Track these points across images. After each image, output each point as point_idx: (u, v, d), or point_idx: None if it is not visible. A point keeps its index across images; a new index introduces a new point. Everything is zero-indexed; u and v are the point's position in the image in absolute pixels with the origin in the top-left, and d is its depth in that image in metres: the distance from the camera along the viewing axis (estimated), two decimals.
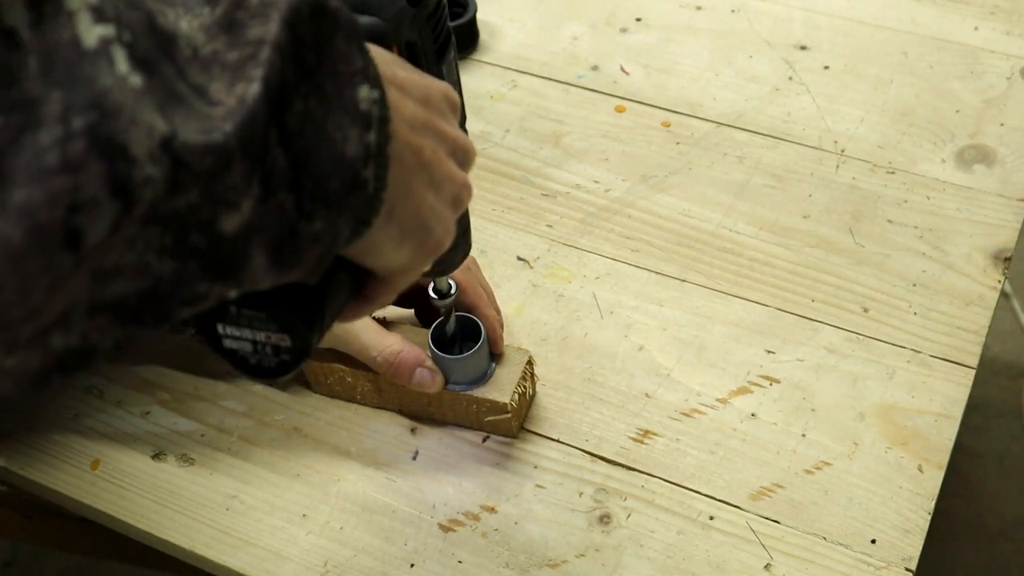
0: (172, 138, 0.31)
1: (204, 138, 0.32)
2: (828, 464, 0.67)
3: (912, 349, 0.73)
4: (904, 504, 0.65)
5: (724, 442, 0.69)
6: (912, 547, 0.63)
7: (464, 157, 0.47)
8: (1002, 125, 0.88)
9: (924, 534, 0.64)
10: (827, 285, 0.77)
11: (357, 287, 0.46)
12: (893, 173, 0.85)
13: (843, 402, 0.70)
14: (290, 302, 0.42)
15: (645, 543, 0.64)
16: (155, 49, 0.32)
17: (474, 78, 0.95)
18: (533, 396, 0.71)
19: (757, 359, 0.73)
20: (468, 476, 0.68)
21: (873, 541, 0.63)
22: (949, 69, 0.93)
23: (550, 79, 0.95)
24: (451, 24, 0.97)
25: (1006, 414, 1.51)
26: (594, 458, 0.68)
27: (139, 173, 0.31)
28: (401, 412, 0.71)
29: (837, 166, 0.86)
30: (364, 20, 0.49)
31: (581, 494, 0.67)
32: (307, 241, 0.38)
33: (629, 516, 0.65)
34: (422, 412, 0.70)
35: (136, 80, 0.31)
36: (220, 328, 0.43)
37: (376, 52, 0.40)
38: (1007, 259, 0.78)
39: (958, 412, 0.69)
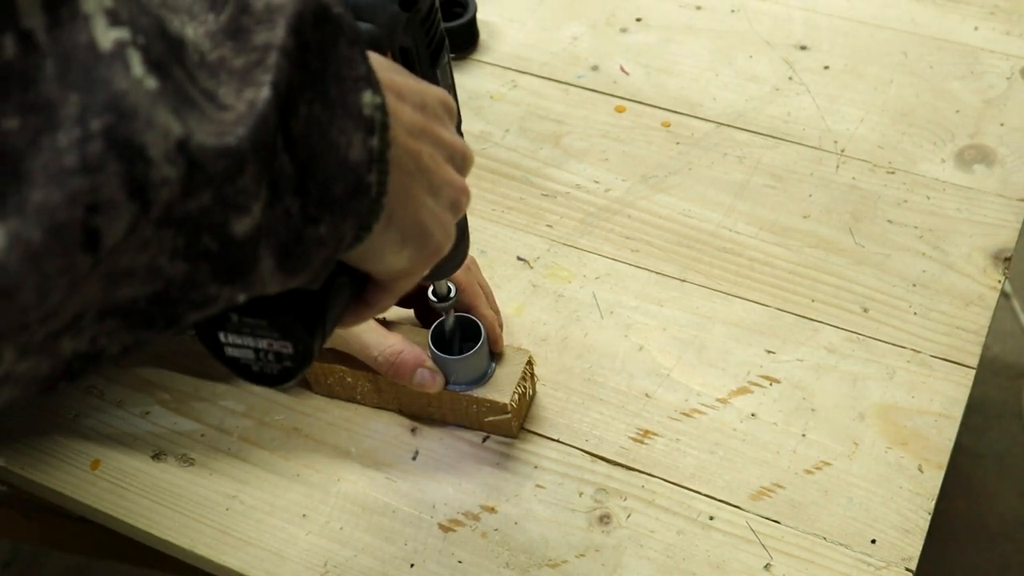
0: (187, 140, 0.32)
1: (218, 141, 0.33)
2: (828, 464, 0.67)
3: (912, 349, 0.73)
4: (904, 504, 0.65)
5: (724, 442, 0.69)
6: (912, 547, 0.63)
7: (462, 162, 0.47)
8: (1002, 125, 0.88)
9: (924, 534, 0.64)
10: (827, 285, 0.77)
11: (357, 292, 0.46)
12: (893, 173, 0.85)
13: (843, 402, 0.70)
14: (291, 309, 0.42)
15: (645, 543, 0.64)
16: (167, 53, 0.32)
17: (474, 78, 0.95)
18: (533, 396, 0.71)
19: (757, 359, 0.73)
20: (468, 476, 0.68)
21: (873, 541, 0.63)
22: (949, 69, 0.93)
23: (550, 79, 0.95)
24: (451, 24, 0.98)
25: (1006, 414, 1.51)
26: (594, 458, 0.68)
27: (156, 174, 0.31)
28: (401, 412, 0.71)
29: (837, 166, 0.86)
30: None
31: (581, 494, 0.67)
32: (313, 245, 0.38)
33: (629, 516, 0.65)
34: (422, 412, 0.70)
35: (151, 83, 0.31)
36: (222, 336, 0.43)
37: (373, 58, 0.40)
38: (1007, 259, 0.78)
39: (958, 412, 0.69)
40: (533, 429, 0.70)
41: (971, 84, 0.91)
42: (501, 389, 0.67)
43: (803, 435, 0.69)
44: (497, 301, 0.73)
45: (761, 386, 0.71)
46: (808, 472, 0.67)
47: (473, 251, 0.72)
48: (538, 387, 0.72)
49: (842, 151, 0.87)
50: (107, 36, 0.31)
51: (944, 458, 0.67)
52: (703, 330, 0.75)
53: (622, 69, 0.95)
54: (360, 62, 0.39)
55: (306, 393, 0.73)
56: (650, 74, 0.95)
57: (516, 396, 0.67)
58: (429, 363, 0.66)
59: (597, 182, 0.86)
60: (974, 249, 0.78)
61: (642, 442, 0.69)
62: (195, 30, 0.35)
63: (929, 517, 0.64)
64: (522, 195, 0.85)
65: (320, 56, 0.37)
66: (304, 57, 0.36)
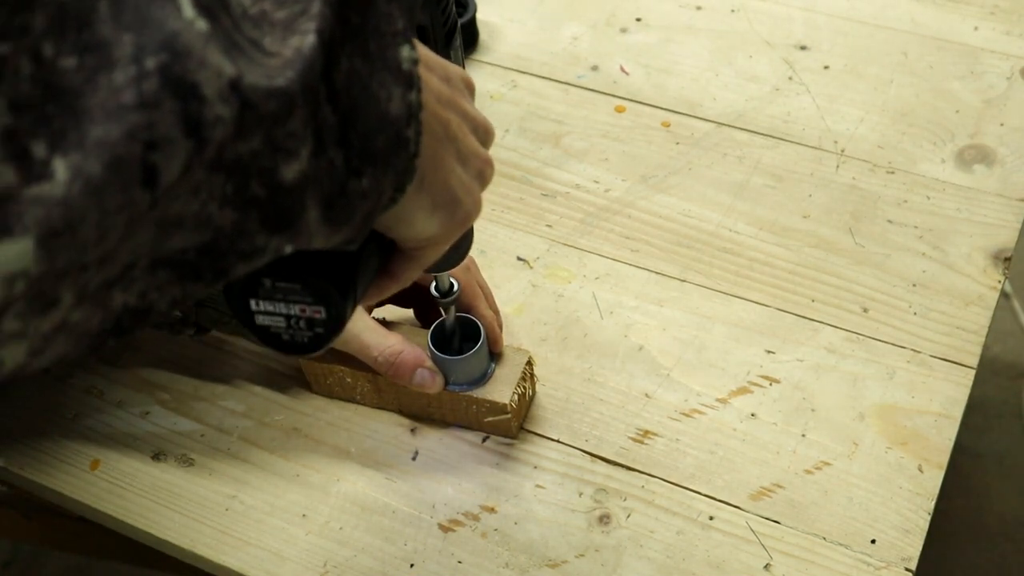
0: (239, 80, 0.32)
1: (268, 82, 0.33)
2: (828, 464, 0.67)
3: (912, 349, 0.73)
4: (904, 504, 0.65)
5: (724, 442, 0.69)
6: (912, 547, 0.63)
7: (485, 136, 0.48)
8: (1002, 125, 0.88)
9: (924, 534, 0.64)
10: (827, 285, 0.77)
11: (382, 264, 0.47)
12: (893, 173, 0.85)
13: (843, 402, 0.70)
14: (325, 273, 0.42)
15: (645, 543, 0.64)
16: (214, 1, 0.33)
17: (474, 78, 0.95)
18: (533, 396, 0.71)
19: (757, 359, 0.73)
20: (468, 476, 0.68)
21: (873, 541, 0.63)
22: (949, 69, 0.93)
23: (550, 79, 0.95)
24: None
25: (1006, 414, 1.51)
26: (594, 458, 0.68)
27: (210, 112, 0.32)
28: (401, 412, 0.71)
29: (837, 166, 0.86)
30: None
31: (581, 494, 0.67)
32: (356, 198, 0.38)
33: (629, 516, 0.65)
34: (422, 412, 0.70)
35: (202, 25, 0.32)
36: (253, 304, 0.43)
37: None
38: (1007, 259, 0.78)
39: (958, 412, 0.69)
40: (533, 429, 0.70)
41: (971, 84, 0.91)
42: (501, 389, 0.67)
43: (803, 435, 0.69)
44: (497, 301, 0.73)
45: (761, 386, 0.71)
46: (808, 472, 0.67)
47: (473, 251, 0.72)
48: (538, 387, 0.72)
49: (842, 151, 0.87)
50: None
51: (944, 458, 0.67)
52: (703, 330, 0.75)
53: (622, 69, 0.95)
54: (397, 18, 0.39)
55: (306, 393, 0.73)
56: (650, 74, 0.95)
57: (516, 396, 0.67)
58: (429, 363, 0.66)
59: (597, 182, 0.86)
60: (974, 249, 0.78)
61: (642, 442, 0.69)
62: None
63: (929, 517, 0.64)
64: (522, 195, 0.85)
65: (360, 11, 0.38)
66: (345, 11, 0.37)
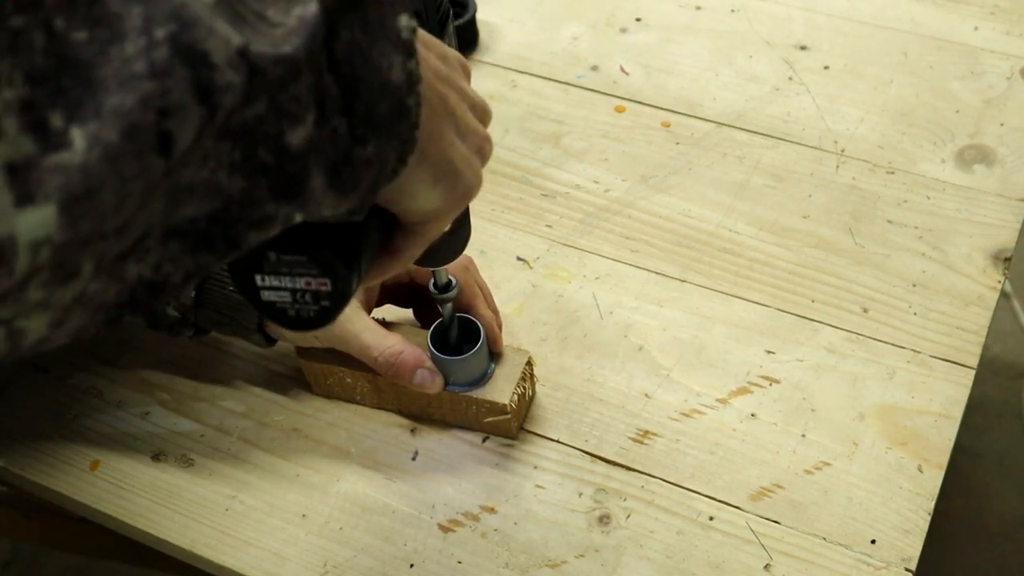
0: (247, 47, 0.33)
1: (275, 50, 0.34)
2: (828, 464, 0.67)
3: (912, 349, 0.73)
4: (904, 504, 0.65)
5: (724, 442, 0.69)
6: (912, 547, 0.63)
7: (483, 115, 0.48)
8: (1002, 125, 0.88)
9: (924, 534, 0.64)
10: (827, 285, 0.77)
11: (384, 242, 0.47)
12: (893, 173, 0.85)
13: (843, 402, 0.70)
14: (329, 245, 0.43)
15: (645, 543, 0.64)
16: None
17: (474, 78, 0.95)
18: (533, 396, 0.71)
19: (757, 359, 0.73)
20: (468, 476, 0.68)
21: (873, 541, 0.63)
22: (949, 69, 0.93)
23: (550, 79, 0.95)
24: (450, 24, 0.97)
25: (1006, 414, 1.51)
26: (594, 458, 0.68)
27: (221, 79, 0.33)
28: (401, 412, 0.71)
29: (837, 166, 0.86)
30: None
31: (581, 494, 0.67)
32: (361, 165, 0.39)
33: (629, 516, 0.65)
34: (422, 413, 0.70)
35: None
36: (258, 279, 0.44)
37: None
38: (1007, 259, 0.78)
39: (958, 412, 0.69)
40: (533, 429, 0.70)
41: (971, 84, 0.91)
42: (501, 389, 0.67)
43: (803, 435, 0.69)
44: (497, 301, 0.73)
45: (761, 386, 0.71)
46: (808, 472, 0.67)
47: (473, 251, 0.72)
48: (538, 387, 0.72)
49: (842, 151, 0.87)
50: None
51: (944, 458, 0.67)
52: (703, 330, 0.75)
53: (622, 69, 0.95)
54: None
55: (306, 393, 0.73)
56: (650, 74, 0.95)
57: (516, 396, 0.67)
58: (429, 363, 0.66)
59: (597, 182, 0.86)
60: (974, 249, 0.78)
61: (642, 442, 0.69)
62: None
63: (929, 517, 0.64)
64: (522, 195, 0.85)
65: None
66: None
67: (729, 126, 0.90)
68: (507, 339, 0.70)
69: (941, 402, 0.70)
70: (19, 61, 0.29)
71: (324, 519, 0.66)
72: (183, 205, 0.34)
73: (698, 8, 1.01)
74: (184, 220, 0.35)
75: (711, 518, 0.65)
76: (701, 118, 0.91)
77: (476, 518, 0.66)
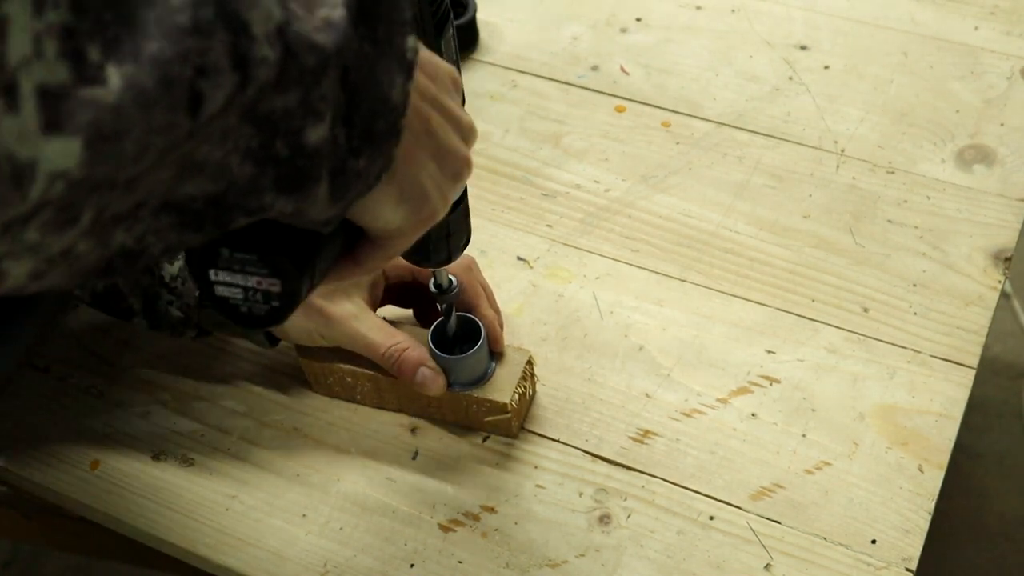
0: (286, 26, 0.34)
1: (311, 35, 0.35)
2: (828, 464, 0.67)
3: (912, 349, 0.73)
4: (904, 504, 0.65)
5: (724, 442, 0.69)
6: (912, 547, 0.63)
7: (467, 135, 0.48)
8: (1002, 125, 0.88)
9: (924, 534, 0.64)
10: (827, 285, 0.77)
11: (348, 250, 0.47)
12: (893, 173, 0.85)
13: (843, 402, 0.70)
14: (283, 248, 0.43)
15: (645, 543, 0.64)
16: None
17: (474, 78, 0.95)
18: (533, 396, 0.71)
19: (757, 359, 0.73)
20: (468, 476, 0.68)
21: (873, 541, 0.63)
22: (949, 69, 0.93)
23: (550, 79, 0.95)
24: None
25: (1006, 414, 1.51)
26: (594, 458, 0.68)
27: (258, 51, 0.33)
28: (401, 412, 0.71)
29: (837, 166, 0.86)
30: None
31: (581, 494, 0.67)
32: (352, 177, 0.39)
33: (629, 516, 0.65)
34: (422, 412, 0.70)
35: None
36: (212, 274, 0.44)
37: None
38: (1007, 259, 0.78)
39: (958, 412, 0.69)
40: (533, 429, 0.70)
41: (971, 84, 0.91)
42: (501, 389, 0.67)
43: (803, 435, 0.69)
44: (497, 301, 0.73)
45: (761, 386, 0.71)
46: (808, 472, 0.67)
47: (473, 251, 0.72)
48: (538, 387, 0.72)
49: (842, 151, 0.87)
50: None
51: (944, 458, 0.67)
52: (703, 330, 0.75)
53: (622, 69, 0.95)
54: (405, 8, 0.40)
55: (306, 393, 0.73)
56: (650, 74, 0.95)
57: (516, 396, 0.67)
58: (432, 363, 0.66)
59: (597, 182, 0.86)
60: (974, 249, 0.78)
61: (642, 442, 0.69)
62: None
63: (929, 517, 0.64)
64: (522, 195, 0.85)
65: None
66: None
67: (729, 126, 0.90)
68: (507, 339, 0.70)
69: (941, 402, 0.70)
70: None
71: (324, 519, 0.66)
72: (189, 180, 0.34)
73: (698, 8, 1.01)
74: (184, 196, 0.35)
75: (711, 518, 0.65)
76: (701, 118, 0.90)
77: (476, 518, 0.66)
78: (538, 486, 0.67)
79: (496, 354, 0.68)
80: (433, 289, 0.64)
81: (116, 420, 0.73)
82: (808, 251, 0.79)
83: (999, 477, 1.45)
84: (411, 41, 0.40)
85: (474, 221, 0.60)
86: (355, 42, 0.38)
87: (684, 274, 0.78)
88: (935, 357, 0.72)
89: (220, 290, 0.44)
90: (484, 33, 1.00)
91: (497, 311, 0.71)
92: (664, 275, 0.79)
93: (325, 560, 0.64)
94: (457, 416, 0.69)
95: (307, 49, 0.35)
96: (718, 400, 0.71)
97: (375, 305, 0.70)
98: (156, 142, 0.31)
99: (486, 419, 0.68)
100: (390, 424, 0.71)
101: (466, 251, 0.61)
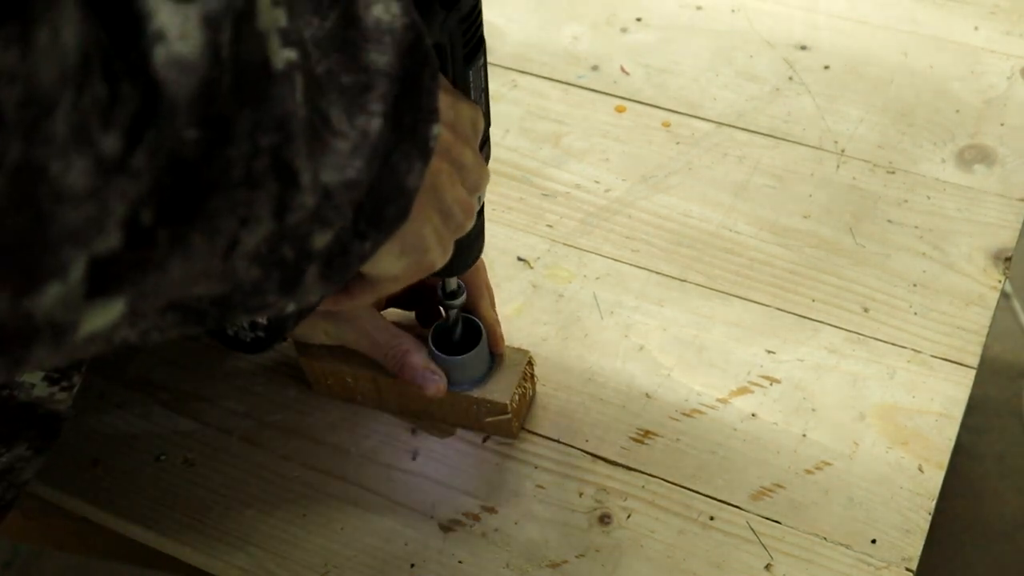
0: (319, 175, 0.33)
1: (341, 176, 0.34)
2: (828, 464, 0.67)
3: (912, 349, 0.73)
4: (904, 504, 0.65)
5: (724, 442, 0.69)
6: (912, 547, 0.63)
7: (476, 183, 0.47)
8: (1002, 125, 0.88)
9: (924, 534, 0.64)
10: (827, 285, 0.77)
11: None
12: (893, 173, 0.85)
13: (843, 402, 0.70)
14: None
15: (645, 543, 0.64)
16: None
17: None
18: (533, 396, 0.71)
19: (757, 359, 0.73)
20: (468, 476, 0.68)
21: (873, 541, 0.63)
22: (949, 69, 0.93)
23: (550, 79, 0.95)
24: None
25: (1006, 414, 1.51)
26: (594, 458, 0.68)
27: (299, 200, 0.32)
28: (401, 412, 0.71)
29: (837, 166, 0.86)
30: None
31: (581, 494, 0.67)
32: (355, 259, 0.39)
33: (629, 516, 0.65)
34: (422, 412, 0.70)
35: (303, 111, 0.32)
36: None
37: None
38: (1007, 259, 0.78)
39: (958, 412, 0.69)
40: (533, 429, 0.70)
41: (971, 84, 0.91)
42: (501, 389, 0.67)
43: (803, 435, 0.69)
44: (497, 301, 0.73)
45: (761, 386, 0.71)
46: (808, 472, 0.67)
47: None
48: (538, 387, 0.72)
49: (842, 151, 0.87)
50: (280, 56, 0.31)
51: (944, 458, 0.67)
52: (703, 330, 0.75)
53: (622, 69, 0.95)
54: (435, 95, 0.39)
55: (306, 393, 0.73)
56: (650, 74, 0.95)
57: (516, 396, 0.67)
58: (433, 365, 0.66)
59: (597, 182, 0.86)
60: (974, 249, 0.78)
61: (642, 442, 0.69)
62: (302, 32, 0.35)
63: (929, 517, 0.64)
64: (522, 195, 0.85)
65: (412, 90, 0.38)
66: (404, 90, 0.37)
67: (729, 126, 0.90)
68: (507, 339, 0.70)
69: (941, 402, 0.70)
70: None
71: (324, 519, 0.66)
72: (197, 285, 0.34)
73: (698, 8, 1.01)
74: (191, 298, 0.34)
75: (712, 518, 0.65)
76: (701, 118, 0.90)
77: (476, 518, 0.66)
78: (538, 486, 0.67)
79: (496, 354, 0.68)
80: (441, 295, 0.64)
81: (116, 420, 0.73)
82: (808, 251, 0.79)
83: (999, 477, 1.45)
84: (435, 129, 0.39)
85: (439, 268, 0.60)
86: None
87: (684, 274, 0.78)
88: (935, 357, 0.72)
89: None
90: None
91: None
92: (664, 275, 0.78)
93: (325, 560, 0.64)
94: (457, 417, 0.69)
95: (341, 189, 0.34)
96: (718, 400, 0.71)
97: (380, 306, 0.70)
98: (189, 273, 0.31)
99: (486, 420, 0.68)
100: (390, 424, 0.71)
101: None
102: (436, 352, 0.66)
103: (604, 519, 0.65)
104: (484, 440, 0.69)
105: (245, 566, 0.65)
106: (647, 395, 0.71)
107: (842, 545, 0.63)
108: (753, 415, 0.70)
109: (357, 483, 0.68)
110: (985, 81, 0.92)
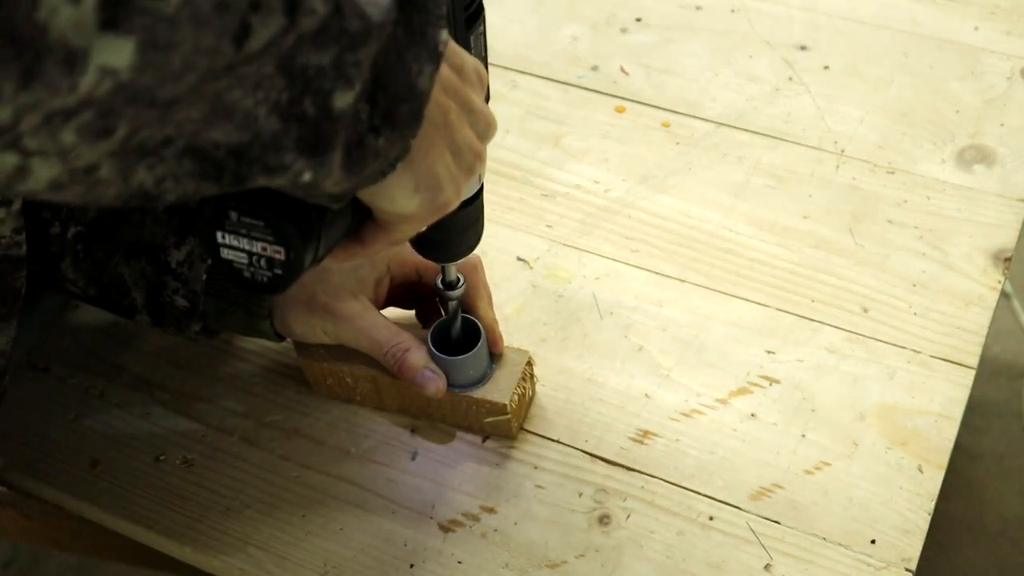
0: None
1: (360, 4, 0.36)
2: (828, 464, 0.67)
3: (912, 349, 0.73)
4: (904, 504, 0.65)
5: (724, 442, 0.69)
6: (912, 547, 0.63)
7: (485, 129, 0.49)
8: (1002, 125, 0.88)
9: (924, 534, 0.64)
10: (827, 285, 0.77)
11: (355, 230, 0.48)
12: (893, 173, 0.85)
13: (843, 402, 0.70)
14: (291, 217, 0.44)
15: (645, 544, 0.64)
16: None
17: None
18: (532, 397, 0.71)
19: (757, 359, 0.73)
20: (468, 476, 0.68)
21: (873, 541, 0.63)
22: (949, 69, 0.93)
23: (550, 79, 0.95)
24: None
25: (1006, 414, 1.51)
26: (594, 458, 0.68)
27: (309, 1, 0.34)
28: (401, 413, 0.71)
29: (837, 166, 0.86)
30: None
31: (581, 494, 0.67)
32: (369, 154, 0.41)
33: (629, 517, 0.65)
34: (421, 413, 0.70)
35: None
36: (219, 236, 0.45)
37: None
38: (1007, 259, 0.78)
39: (958, 412, 0.69)
40: (533, 429, 0.70)
41: (971, 84, 0.91)
42: (501, 390, 0.67)
43: (803, 435, 0.69)
44: (497, 301, 0.73)
45: (761, 386, 0.71)
46: (808, 472, 0.67)
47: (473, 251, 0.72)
48: (538, 387, 0.72)
49: (842, 151, 0.87)
50: None
51: (944, 458, 0.67)
52: (703, 330, 0.75)
53: (622, 69, 0.95)
54: (442, 2, 0.42)
55: (306, 393, 0.73)
56: (650, 74, 0.95)
57: (515, 397, 0.67)
58: (433, 365, 0.66)
59: (597, 182, 0.86)
60: (974, 249, 0.78)
61: (642, 442, 0.69)
62: None
63: (929, 517, 0.64)
64: (522, 195, 0.85)
65: None
66: None
67: (729, 126, 0.90)
68: (507, 339, 0.70)
69: (941, 402, 0.70)
70: None
71: (324, 519, 0.66)
72: (217, 125, 0.35)
73: (698, 8, 1.01)
74: (209, 142, 0.36)
75: (711, 518, 0.65)
76: (701, 118, 0.90)
77: (476, 518, 0.66)
78: (538, 486, 0.67)
79: (496, 355, 0.68)
80: (440, 286, 0.64)
81: (116, 420, 0.73)
82: (808, 251, 0.79)
83: (999, 477, 1.45)
84: (443, 35, 0.42)
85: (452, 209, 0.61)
86: (393, 25, 0.39)
87: (684, 274, 0.78)
88: (935, 357, 0.72)
89: (226, 252, 0.45)
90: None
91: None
92: (664, 275, 0.79)
93: (325, 560, 0.64)
94: (457, 417, 0.69)
95: (354, 13, 0.36)
96: (718, 400, 0.71)
97: (380, 304, 0.70)
98: (199, 64, 0.32)
99: (485, 420, 0.68)
100: (390, 424, 0.71)
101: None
102: (436, 352, 0.66)
103: (604, 519, 0.65)
104: (484, 440, 0.69)
105: (245, 566, 0.65)
106: (646, 395, 0.71)
107: (841, 545, 0.63)
108: (753, 415, 0.70)
109: (357, 483, 0.68)
110: (985, 81, 0.92)
